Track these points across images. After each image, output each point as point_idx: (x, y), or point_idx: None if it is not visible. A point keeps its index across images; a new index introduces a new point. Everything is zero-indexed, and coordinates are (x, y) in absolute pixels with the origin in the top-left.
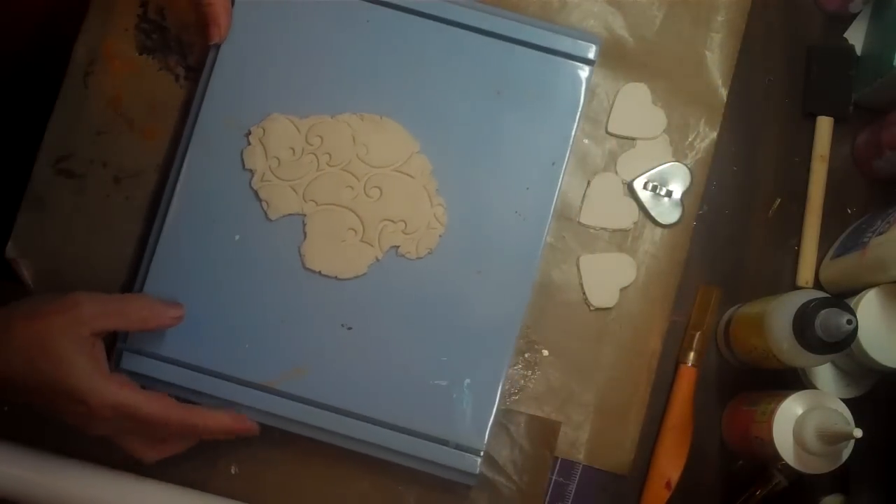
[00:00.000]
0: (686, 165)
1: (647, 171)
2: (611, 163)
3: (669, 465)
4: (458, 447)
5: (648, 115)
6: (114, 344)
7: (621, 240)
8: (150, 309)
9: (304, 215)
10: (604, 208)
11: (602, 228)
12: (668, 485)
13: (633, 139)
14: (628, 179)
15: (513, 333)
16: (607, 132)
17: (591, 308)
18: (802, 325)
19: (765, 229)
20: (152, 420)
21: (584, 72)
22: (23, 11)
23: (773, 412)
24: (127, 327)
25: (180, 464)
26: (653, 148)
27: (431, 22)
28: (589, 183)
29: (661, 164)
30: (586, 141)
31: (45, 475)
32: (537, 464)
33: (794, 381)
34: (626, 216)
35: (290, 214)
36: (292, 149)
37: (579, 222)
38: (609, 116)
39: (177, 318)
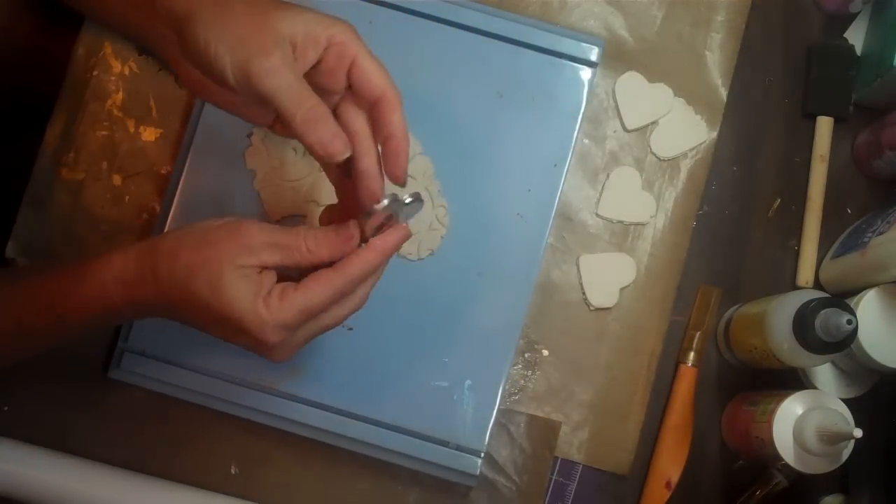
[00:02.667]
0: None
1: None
2: (627, 155)
3: (669, 465)
4: (459, 448)
5: (652, 95)
6: (114, 344)
7: (621, 240)
8: (323, 244)
9: (306, 216)
10: (622, 201)
11: (619, 221)
12: (668, 485)
13: (655, 122)
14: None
15: (514, 335)
16: (626, 130)
17: (591, 308)
18: (802, 325)
19: (765, 229)
20: (319, 312)
21: (586, 74)
22: (23, 10)
23: (773, 412)
24: (299, 263)
25: (181, 463)
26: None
27: (434, 23)
28: (608, 176)
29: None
30: (586, 141)
31: (46, 473)
32: (537, 464)
33: (794, 381)
34: (643, 210)
35: (291, 215)
36: (294, 149)
37: (597, 214)
38: (620, 114)
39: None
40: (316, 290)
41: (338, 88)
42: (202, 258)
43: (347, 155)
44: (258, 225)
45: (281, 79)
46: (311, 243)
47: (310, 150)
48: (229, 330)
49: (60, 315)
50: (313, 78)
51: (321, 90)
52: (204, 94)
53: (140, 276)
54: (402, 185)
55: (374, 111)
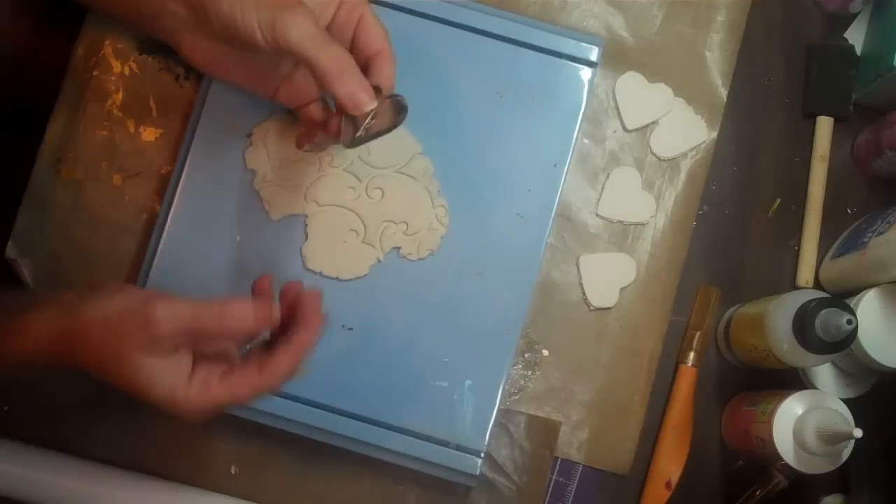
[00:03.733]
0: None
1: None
2: (627, 155)
3: (669, 465)
4: (459, 448)
5: (652, 95)
6: None
7: (621, 240)
8: (232, 320)
9: (306, 216)
10: (622, 202)
11: (619, 221)
12: (668, 485)
13: (655, 122)
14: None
15: (514, 335)
16: (626, 130)
17: (591, 308)
18: (802, 325)
19: (765, 229)
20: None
21: (586, 74)
22: (23, 11)
23: (773, 412)
24: (212, 340)
25: (181, 463)
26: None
27: (434, 23)
28: (608, 176)
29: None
30: (586, 141)
31: (46, 474)
32: (537, 464)
33: (794, 381)
34: (643, 210)
35: (291, 215)
36: (294, 150)
37: (597, 214)
38: (620, 114)
39: (266, 322)
40: (241, 390)
41: (346, 42)
42: (113, 352)
43: (373, 107)
44: (164, 311)
45: (305, 31)
46: (227, 324)
47: (336, 100)
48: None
49: None
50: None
51: None
52: (216, 70)
53: (59, 355)
54: None
55: (369, 63)
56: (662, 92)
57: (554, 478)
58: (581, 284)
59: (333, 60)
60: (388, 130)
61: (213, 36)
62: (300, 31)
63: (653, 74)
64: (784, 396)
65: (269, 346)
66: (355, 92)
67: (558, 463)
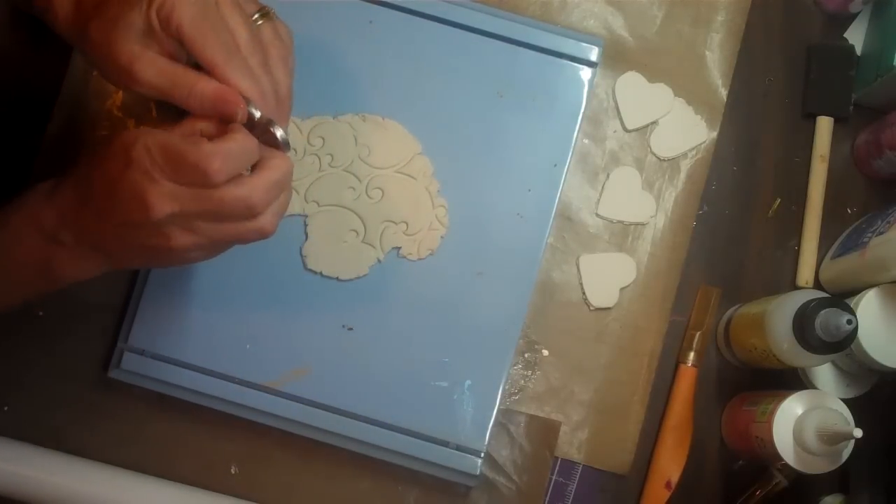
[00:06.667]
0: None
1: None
2: (627, 155)
3: (669, 465)
4: (459, 448)
5: (652, 95)
6: (114, 344)
7: (621, 240)
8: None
9: (306, 216)
10: (622, 201)
11: (619, 221)
12: (668, 485)
13: (655, 122)
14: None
15: (514, 335)
16: (626, 130)
17: (591, 308)
18: (802, 325)
19: (765, 229)
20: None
21: (586, 74)
22: (22, 10)
23: (773, 412)
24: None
25: (181, 463)
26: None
27: (434, 23)
28: (608, 176)
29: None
30: (586, 141)
31: (46, 473)
32: (537, 464)
33: (794, 381)
34: (643, 210)
35: (291, 215)
36: (294, 149)
37: (597, 214)
38: (620, 114)
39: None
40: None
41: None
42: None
43: (242, 108)
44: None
45: (147, 81)
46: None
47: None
48: (121, 169)
49: None
50: None
51: None
52: None
53: (60, 180)
54: None
55: None
56: (662, 92)
57: (554, 478)
58: (581, 284)
59: (185, 97)
60: None
61: None
62: (144, 79)
63: (653, 74)
64: (784, 396)
65: None
66: (216, 109)
67: (558, 463)
